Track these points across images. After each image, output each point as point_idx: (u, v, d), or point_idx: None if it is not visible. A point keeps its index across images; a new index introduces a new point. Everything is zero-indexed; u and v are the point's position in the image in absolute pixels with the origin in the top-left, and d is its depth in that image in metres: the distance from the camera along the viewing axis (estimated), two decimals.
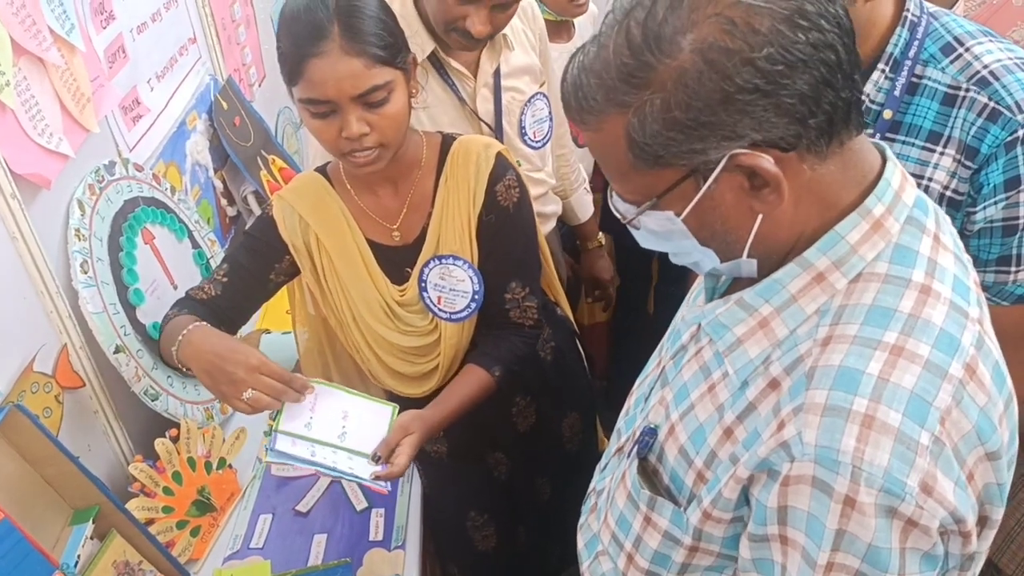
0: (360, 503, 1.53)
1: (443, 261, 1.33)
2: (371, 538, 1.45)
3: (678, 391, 0.86)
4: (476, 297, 1.35)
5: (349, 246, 1.35)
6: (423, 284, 1.35)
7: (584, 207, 2.09)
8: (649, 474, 0.88)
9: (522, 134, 1.74)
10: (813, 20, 0.66)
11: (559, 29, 2.15)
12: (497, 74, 1.67)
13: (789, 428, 0.69)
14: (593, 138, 0.75)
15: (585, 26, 2.23)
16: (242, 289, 1.38)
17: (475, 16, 1.46)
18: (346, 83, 1.14)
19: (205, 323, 1.26)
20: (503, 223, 1.33)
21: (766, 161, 0.68)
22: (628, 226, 0.80)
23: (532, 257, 1.40)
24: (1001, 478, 0.72)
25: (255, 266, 1.38)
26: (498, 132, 1.69)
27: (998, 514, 0.73)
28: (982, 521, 0.72)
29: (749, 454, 0.73)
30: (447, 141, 1.35)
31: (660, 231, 0.78)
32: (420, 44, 1.57)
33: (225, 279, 1.37)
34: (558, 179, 1.97)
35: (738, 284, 0.85)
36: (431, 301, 1.36)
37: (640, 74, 0.68)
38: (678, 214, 0.74)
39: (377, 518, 1.49)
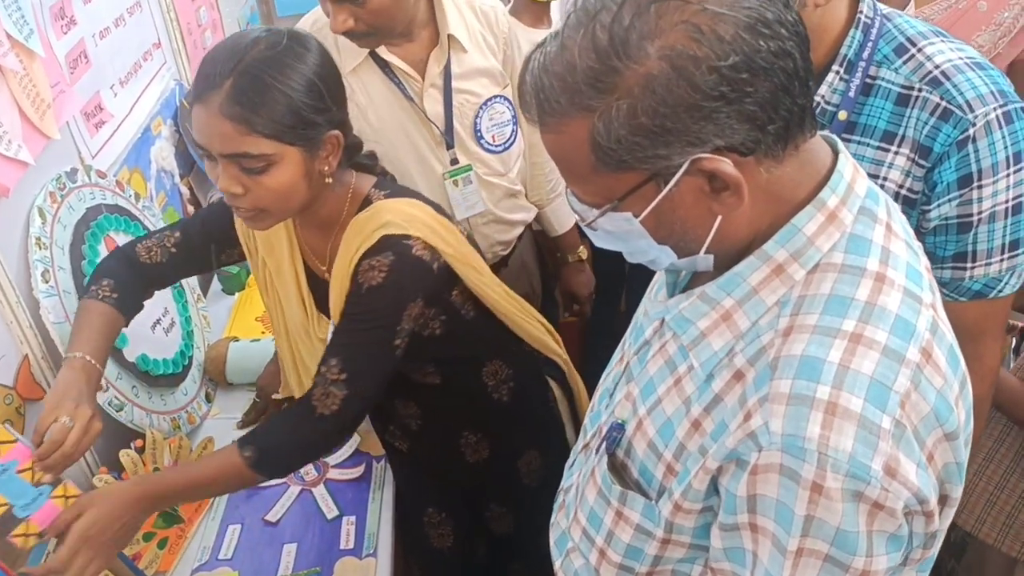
0: (331, 511, 1.51)
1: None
2: (342, 546, 1.44)
3: (644, 386, 0.88)
4: None
5: (288, 269, 1.36)
6: None
7: (562, 217, 2.02)
8: (618, 469, 0.89)
9: (477, 137, 1.73)
10: (773, 28, 0.68)
11: (538, 13, 2.15)
12: (447, 75, 1.66)
13: (756, 418, 0.71)
14: (553, 140, 0.75)
15: (565, 12, 2.23)
16: (185, 264, 1.42)
17: (335, 15, 1.48)
18: (215, 140, 1.10)
19: (80, 358, 1.21)
20: (352, 299, 1.23)
21: (727, 165, 0.69)
22: (585, 227, 0.81)
23: (370, 348, 1.23)
24: (959, 457, 0.74)
25: (205, 247, 1.41)
26: (448, 133, 1.68)
27: (957, 492, 0.75)
28: (942, 500, 0.75)
29: (717, 445, 0.74)
30: (365, 203, 1.28)
31: (617, 231, 0.78)
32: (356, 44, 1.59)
33: (174, 250, 1.39)
34: (533, 188, 1.95)
35: (699, 278, 0.86)
36: None
37: (606, 79, 0.68)
38: (637, 215, 0.75)
39: (348, 526, 1.48)
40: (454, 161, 1.73)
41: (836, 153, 0.79)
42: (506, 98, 1.74)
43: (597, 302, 2.45)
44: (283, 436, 1.22)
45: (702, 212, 0.74)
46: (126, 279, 1.35)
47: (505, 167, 1.80)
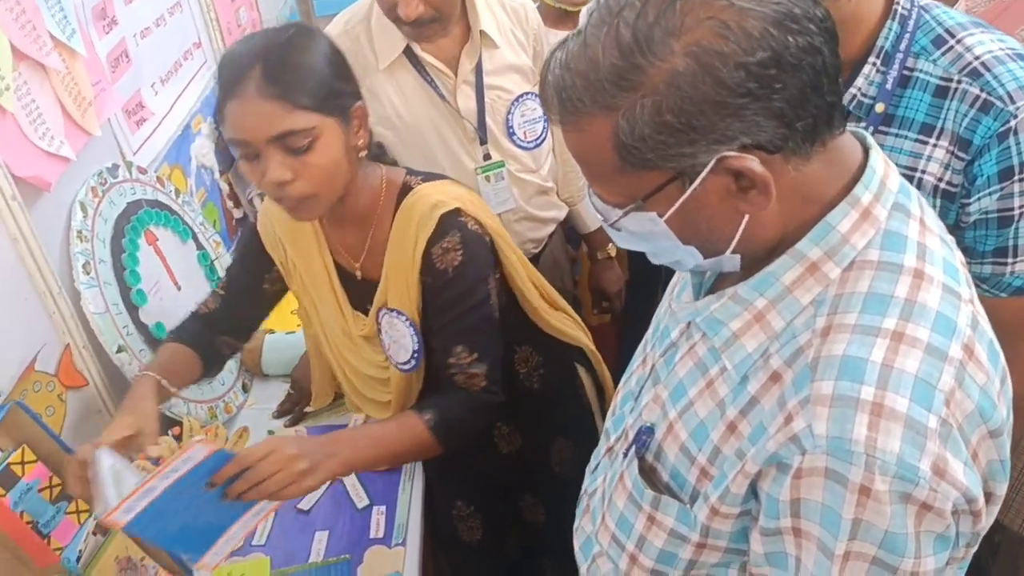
0: (361, 500, 1.53)
1: (390, 313, 1.32)
2: (372, 535, 1.46)
3: (674, 389, 0.86)
4: (416, 355, 1.33)
5: (319, 269, 1.36)
6: (379, 326, 1.35)
7: (591, 216, 1.98)
8: (647, 473, 0.87)
9: (510, 133, 1.73)
10: (802, 23, 0.66)
11: (564, 19, 2.15)
12: (479, 71, 1.66)
13: (798, 421, 0.69)
14: (576, 139, 0.73)
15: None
16: (239, 301, 1.43)
17: (406, 2, 1.48)
18: (259, 126, 1.10)
19: (147, 375, 1.26)
20: (442, 287, 1.27)
21: (754, 163, 0.68)
22: (608, 228, 0.80)
23: (481, 321, 1.29)
24: (1004, 454, 0.72)
25: (247, 278, 1.42)
26: (481, 129, 1.69)
27: (1001, 489, 0.74)
28: (987, 497, 0.73)
29: (756, 449, 0.73)
30: (404, 189, 1.30)
31: (641, 232, 0.77)
32: (394, 41, 1.59)
33: (223, 292, 1.43)
34: (564, 185, 1.94)
35: (725, 279, 0.85)
36: (385, 344, 1.36)
37: (630, 76, 0.67)
38: (661, 215, 0.73)
39: (378, 516, 1.50)
40: (487, 157, 1.73)
41: (867, 149, 0.77)
42: (537, 95, 1.75)
43: (632, 298, 2.43)
44: (452, 408, 1.27)
45: (728, 212, 0.72)
46: (187, 325, 1.42)
47: (536, 164, 1.80)
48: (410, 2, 1.49)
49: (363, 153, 1.23)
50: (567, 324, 1.52)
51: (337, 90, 1.16)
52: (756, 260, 0.77)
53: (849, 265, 0.73)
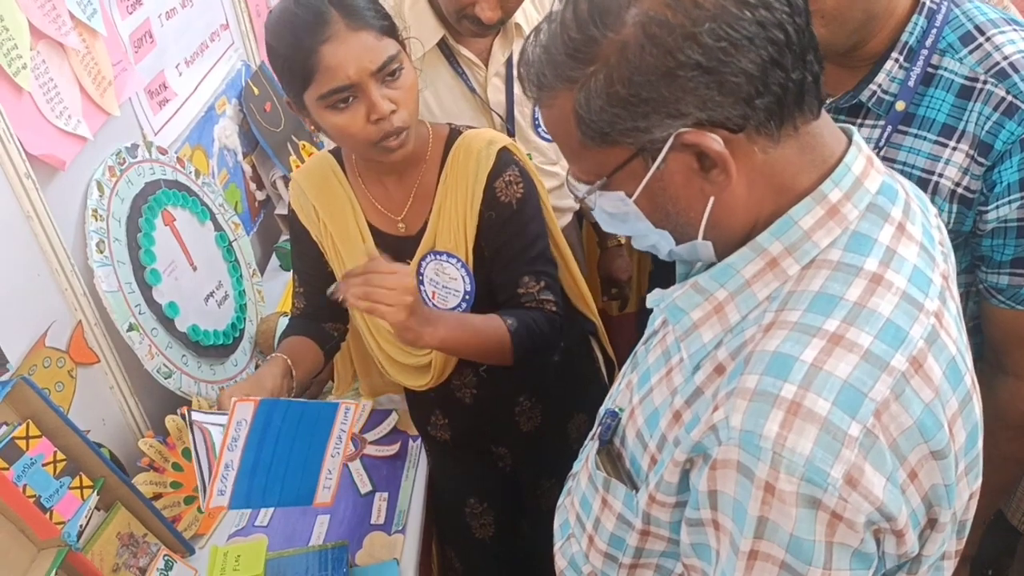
0: (365, 486, 1.54)
1: (438, 257, 1.32)
2: (372, 521, 1.47)
3: (642, 375, 0.87)
4: (467, 297, 1.34)
5: (352, 232, 1.36)
6: (420, 278, 1.35)
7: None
8: (613, 457, 0.88)
9: (535, 125, 1.72)
10: None
11: None
12: (509, 63, 1.65)
13: (720, 411, 0.69)
14: (546, 115, 0.75)
15: None
16: (317, 290, 1.42)
17: (484, 1, 1.45)
18: (364, 59, 1.13)
19: (277, 355, 1.31)
20: (506, 219, 1.30)
21: (712, 141, 0.67)
22: (589, 210, 0.80)
23: (543, 251, 1.36)
24: (948, 478, 0.69)
25: (310, 264, 1.43)
26: (510, 123, 1.67)
27: (946, 516, 0.71)
28: (931, 523, 0.71)
29: (688, 437, 0.73)
30: (453, 135, 1.33)
31: (615, 212, 0.77)
32: (429, 31, 1.56)
33: (301, 289, 1.45)
34: None
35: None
36: (427, 295, 1.35)
37: (585, 49, 0.67)
38: (629, 195, 0.73)
39: (380, 502, 1.51)
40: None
41: (851, 144, 0.75)
42: None
43: (651, 289, 2.40)
44: (530, 319, 1.30)
45: (693, 192, 0.72)
46: (292, 325, 1.46)
47: (558, 155, 1.79)
48: (491, 3, 1.48)
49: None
50: (584, 287, 1.54)
51: (389, 14, 1.21)
52: (731, 250, 0.76)
53: (809, 263, 0.72)
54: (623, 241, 2.10)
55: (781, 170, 0.71)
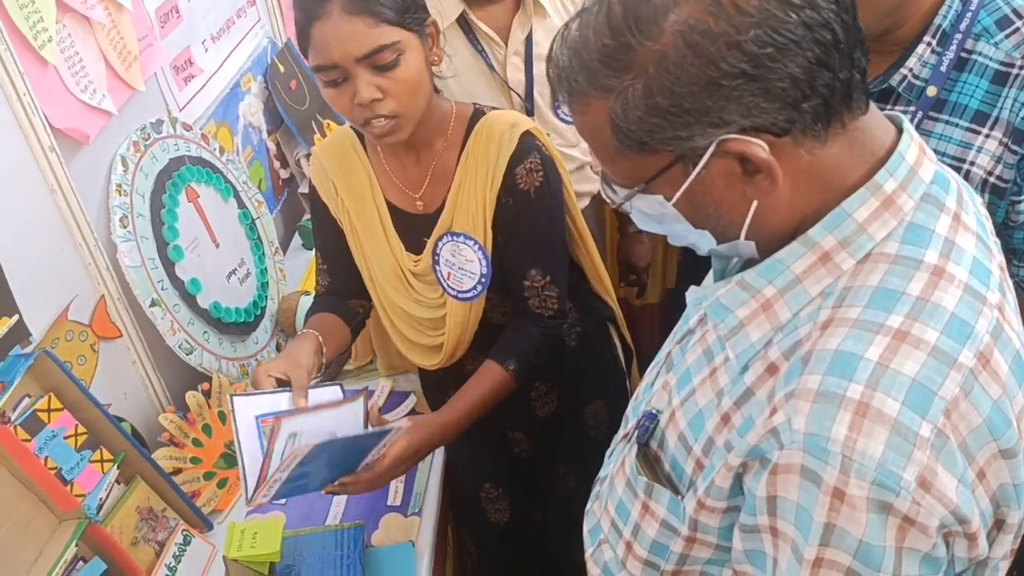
0: None
1: (455, 238, 1.31)
2: (389, 503, 1.47)
3: (681, 376, 0.84)
4: (483, 280, 1.32)
5: (369, 209, 1.35)
6: (436, 257, 1.33)
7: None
8: (651, 461, 0.85)
9: (556, 107, 1.69)
10: None
11: None
12: (529, 42, 1.62)
13: (780, 414, 0.66)
14: (578, 120, 0.72)
15: None
16: (340, 266, 1.43)
17: None
18: (350, 44, 1.11)
19: (307, 331, 1.33)
20: (522, 207, 1.28)
21: (757, 147, 0.64)
22: (620, 208, 0.77)
23: (555, 245, 1.34)
24: (1018, 478, 0.66)
25: (331, 241, 1.42)
26: (529, 103, 1.65)
27: (1015, 517, 0.68)
28: (998, 524, 0.68)
29: (742, 441, 0.70)
30: (476, 115, 1.31)
31: (653, 214, 0.75)
32: (449, 5, 1.55)
33: (324, 266, 1.45)
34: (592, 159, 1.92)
35: (748, 265, 0.81)
36: (442, 275, 1.34)
37: (621, 57, 0.64)
38: (668, 199, 0.71)
39: (397, 483, 1.50)
40: None
41: (901, 132, 0.72)
42: None
43: (680, 281, 2.37)
44: (528, 345, 1.33)
45: (736, 196, 0.69)
46: (317, 302, 1.47)
47: (577, 138, 1.77)
48: None
49: (439, 66, 1.25)
50: (604, 271, 1.53)
51: (415, 3, 1.17)
52: (774, 246, 0.73)
53: (864, 257, 0.69)
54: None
55: (829, 168, 0.68)
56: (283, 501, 1.47)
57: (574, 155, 1.77)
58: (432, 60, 1.22)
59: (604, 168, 0.75)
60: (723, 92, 0.62)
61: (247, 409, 1.14)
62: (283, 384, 1.19)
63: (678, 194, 0.70)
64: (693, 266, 2.45)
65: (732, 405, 0.74)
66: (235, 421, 1.12)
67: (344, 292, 1.44)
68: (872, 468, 0.61)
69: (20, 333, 1.21)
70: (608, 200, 0.77)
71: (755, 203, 0.69)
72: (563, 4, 1.68)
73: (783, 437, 0.65)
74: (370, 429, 1.21)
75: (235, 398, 1.13)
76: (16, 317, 1.20)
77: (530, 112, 1.68)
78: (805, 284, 0.70)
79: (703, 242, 0.75)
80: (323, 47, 1.13)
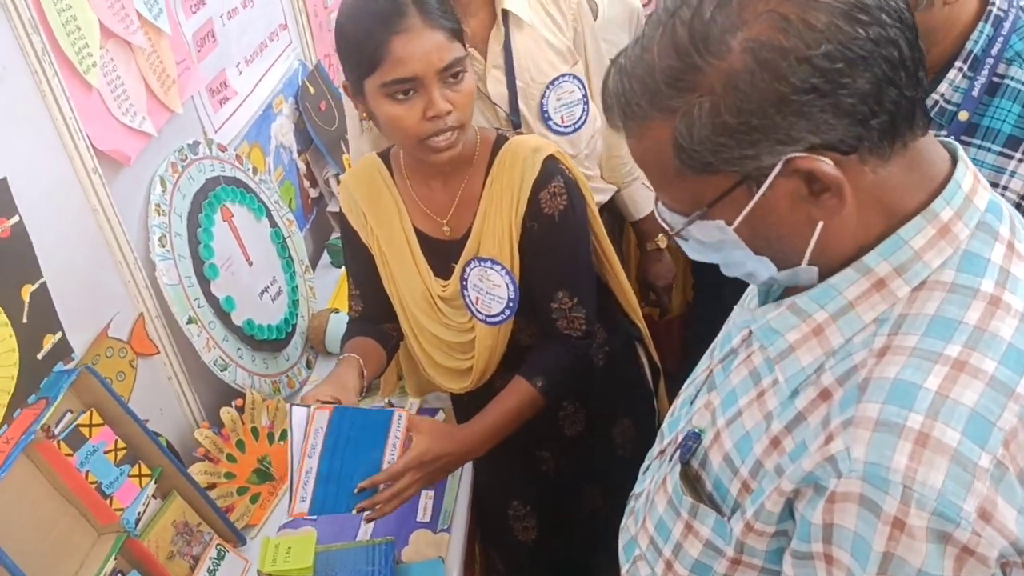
0: None
1: (482, 263, 1.33)
2: (418, 519, 1.48)
3: (726, 396, 0.84)
4: (511, 304, 1.34)
5: (398, 235, 1.37)
6: (464, 282, 1.35)
7: (639, 203, 1.93)
8: (691, 480, 0.85)
9: (544, 118, 1.68)
10: (873, 14, 0.63)
11: None
12: (508, 54, 1.62)
13: (837, 442, 0.66)
14: (636, 145, 0.72)
15: (613, 5, 2.15)
16: (372, 291, 1.46)
17: None
18: (433, 56, 1.15)
19: (350, 356, 1.35)
20: (547, 231, 1.30)
21: (826, 165, 0.64)
22: (675, 238, 0.77)
23: (581, 267, 1.36)
24: None
25: (363, 266, 1.44)
26: (514, 115, 1.64)
27: None
28: None
29: (795, 466, 0.70)
30: (500, 140, 1.33)
31: (710, 241, 0.74)
32: None
33: (357, 292, 1.48)
34: (608, 169, 1.89)
35: (794, 289, 0.81)
36: (470, 300, 1.36)
37: (687, 77, 0.65)
38: (729, 223, 0.70)
39: (426, 500, 1.51)
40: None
41: (955, 161, 0.72)
42: (575, 76, 1.68)
43: (701, 296, 2.36)
44: (556, 364, 1.35)
45: (801, 218, 0.69)
46: (352, 328, 1.49)
47: (575, 148, 1.74)
48: None
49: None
50: (631, 290, 1.53)
51: (459, 20, 1.22)
52: (832, 273, 0.73)
53: (920, 284, 0.69)
54: (663, 245, 2.00)
55: (891, 190, 0.68)
56: (315, 516, 1.49)
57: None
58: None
59: (661, 194, 0.75)
60: (793, 108, 0.63)
61: (304, 418, 1.16)
62: None
63: (740, 217, 0.69)
64: (709, 279, 2.45)
65: (782, 429, 0.74)
66: (291, 430, 1.15)
67: (377, 317, 1.47)
68: (933, 499, 0.61)
69: (63, 350, 1.24)
70: (665, 228, 0.77)
71: (820, 224, 0.69)
72: (549, 14, 1.67)
73: (841, 466, 0.65)
74: (374, 407, 1.25)
75: (294, 407, 1.16)
76: (60, 334, 1.23)
77: (516, 124, 1.68)
78: (858, 310, 0.71)
79: (763, 269, 0.75)
80: (407, 59, 1.15)
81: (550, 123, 1.69)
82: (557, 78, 1.66)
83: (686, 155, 0.67)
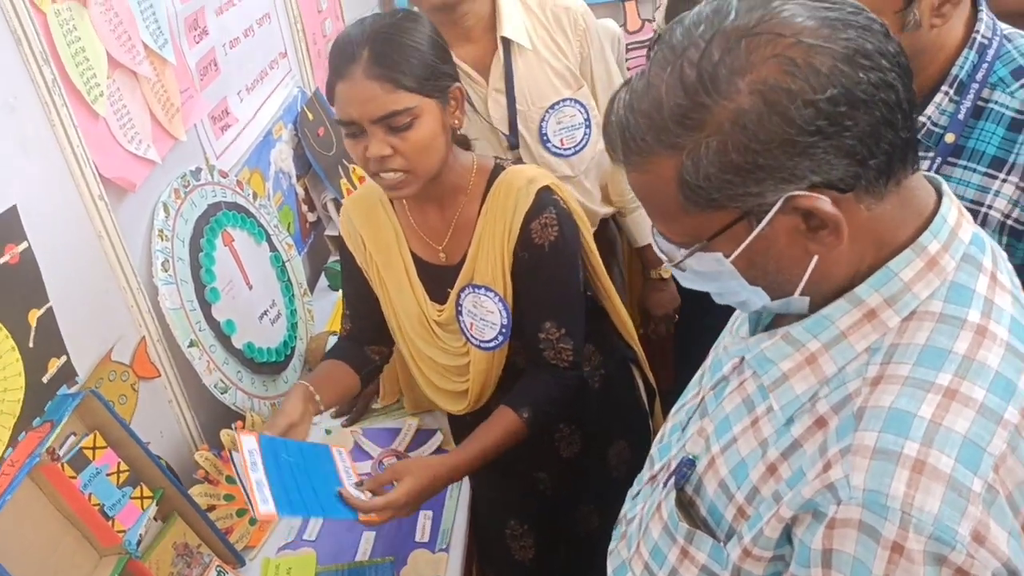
0: None
1: (476, 290, 1.36)
2: (417, 539, 1.49)
3: (719, 423, 0.86)
4: (504, 330, 1.37)
5: (395, 260, 1.40)
6: (459, 308, 1.38)
7: (644, 229, 1.96)
8: (685, 505, 0.87)
9: (543, 141, 1.72)
10: (874, 59, 0.66)
11: None
12: (508, 78, 1.66)
13: (836, 470, 0.69)
14: (639, 179, 0.74)
15: (603, 36, 2.19)
16: (364, 312, 1.49)
17: None
18: (365, 106, 1.18)
19: (300, 383, 1.38)
20: (537, 261, 1.32)
21: (824, 203, 0.67)
22: (672, 268, 0.80)
23: (571, 298, 1.38)
24: None
25: (358, 288, 1.48)
26: (513, 137, 1.68)
27: None
28: None
29: (793, 493, 0.72)
30: (496, 170, 1.36)
31: (707, 272, 0.77)
32: None
33: (349, 311, 1.51)
34: (614, 193, 1.93)
35: (784, 316, 0.84)
36: (465, 326, 1.39)
37: (695, 115, 0.67)
38: (727, 255, 0.73)
39: (425, 520, 1.53)
40: (518, 162, 1.74)
41: (940, 195, 0.76)
42: (577, 101, 1.73)
43: (691, 315, 2.37)
44: (544, 394, 1.37)
45: (797, 252, 0.72)
46: (338, 346, 1.54)
47: (575, 170, 1.78)
48: None
49: (458, 131, 1.31)
50: (626, 314, 1.56)
51: (439, 71, 1.23)
52: (824, 303, 0.75)
53: (910, 315, 0.72)
54: (667, 275, 2.02)
55: (883, 225, 0.72)
56: (314, 537, 1.51)
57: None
58: (452, 124, 1.27)
59: (660, 226, 0.77)
60: (798, 149, 0.65)
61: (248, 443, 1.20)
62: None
63: (738, 250, 0.72)
64: (691, 296, 2.47)
65: (779, 456, 0.76)
66: (232, 454, 1.20)
67: (363, 338, 1.50)
68: (929, 523, 0.64)
69: (67, 373, 1.26)
70: (663, 259, 0.80)
71: (815, 258, 0.71)
72: (552, 38, 1.71)
73: (841, 493, 0.67)
74: (311, 443, 1.29)
75: (223, 431, 1.22)
76: (64, 358, 1.25)
77: (515, 146, 1.72)
78: (851, 340, 0.73)
79: (756, 299, 0.78)
80: (344, 104, 1.20)
81: (548, 145, 1.73)
82: (558, 102, 1.70)
83: (690, 191, 0.70)
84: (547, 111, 1.71)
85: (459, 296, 1.38)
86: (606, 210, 1.94)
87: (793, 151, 0.65)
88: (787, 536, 0.74)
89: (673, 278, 2.05)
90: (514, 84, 1.68)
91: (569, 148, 1.76)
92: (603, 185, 1.93)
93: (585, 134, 1.77)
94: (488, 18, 1.67)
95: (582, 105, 1.74)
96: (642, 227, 1.98)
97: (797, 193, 0.67)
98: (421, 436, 1.73)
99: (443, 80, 1.24)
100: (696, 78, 0.67)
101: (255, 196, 1.87)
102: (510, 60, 1.67)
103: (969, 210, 1.09)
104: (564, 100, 1.72)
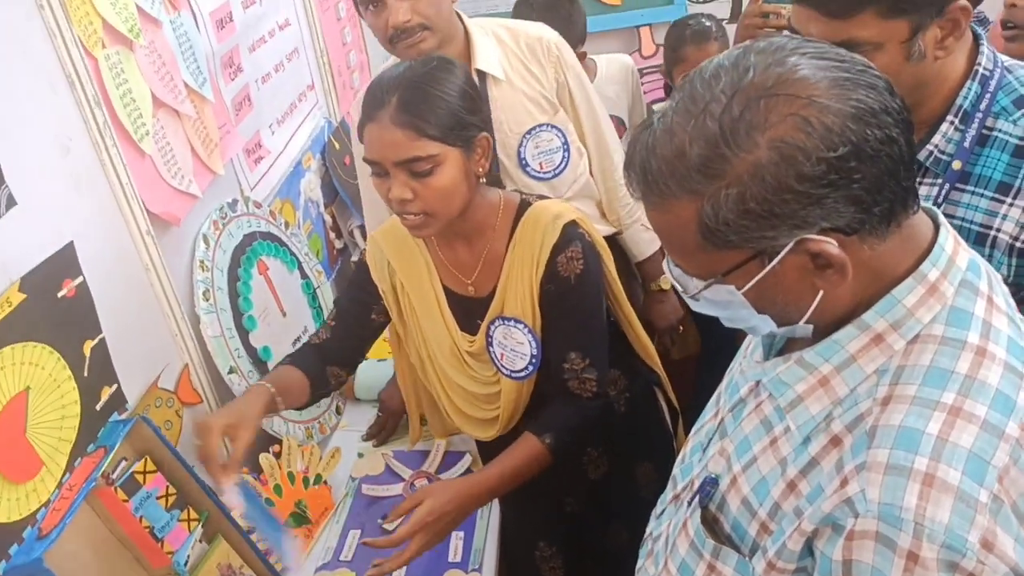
0: None
1: (506, 322, 1.40)
2: (450, 559, 1.53)
3: (739, 443, 0.91)
4: (534, 360, 1.41)
5: (427, 291, 1.45)
6: (489, 339, 1.43)
7: (640, 245, 2.01)
8: (710, 522, 0.92)
9: (523, 165, 1.77)
10: (880, 117, 0.72)
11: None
12: (486, 108, 1.69)
13: (853, 485, 0.74)
14: (658, 217, 0.79)
15: (611, 63, 2.25)
16: (347, 332, 1.53)
17: (392, 12, 1.58)
18: (388, 150, 1.24)
19: (263, 385, 1.39)
20: (563, 294, 1.37)
21: (832, 246, 0.73)
22: (685, 297, 0.85)
23: (595, 330, 1.42)
24: None
25: (357, 310, 1.53)
26: (493, 164, 1.72)
27: None
28: None
29: (813, 508, 0.77)
30: (524, 205, 1.40)
31: (719, 301, 0.83)
32: None
33: (333, 323, 1.53)
34: (610, 210, 1.96)
35: (794, 340, 0.89)
36: (495, 356, 1.43)
37: (716, 165, 0.72)
38: (739, 288, 0.79)
39: (457, 540, 1.57)
40: (498, 185, 1.76)
41: (937, 226, 0.81)
42: (553, 126, 1.78)
43: (713, 336, 2.41)
44: (567, 423, 1.40)
45: (804, 287, 0.77)
46: (302, 352, 1.54)
47: (556, 192, 1.82)
48: (398, 9, 1.58)
49: (482, 179, 1.35)
50: (648, 340, 1.60)
51: (464, 122, 1.27)
52: (828, 327, 0.81)
53: (914, 338, 0.77)
54: (667, 287, 2.05)
55: (884, 261, 0.77)
56: (350, 558, 1.55)
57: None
58: (476, 171, 1.32)
59: (677, 260, 0.83)
60: (811, 199, 0.71)
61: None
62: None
63: (750, 284, 0.78)
64: (709, 319, 2.49)
65: (798, 473, 0.81)
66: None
67: (330, 355, 1.51)
68: (941, 533, 0.69)
69: (118, 400, 1.31)
70: (678, 289, 0.86)
71: (821, 292, 0.77)
72: (526, 66, 1.76)
73: (858, 506, 0.72)
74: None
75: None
76: (115, 386, 1.30)
77: (495, 171, 1.75)
78: (860, 362, 0.79)
79: (763, 325, 0.83)
80: (370, 146, 1.26)
81: (528, 169, 1.78)
82: (534, 128, 1.76)
83: (709, 232, 0.75)
84: (524, 136, 1.76)
85: (489, 328, 1.42)
86: (607, 229, 1.98)
87: (807, 201, 0.71)
88: (809, 548, 0.79)
89: (673, 288, 2.08)
90: (491, 114, 1.73)
91: (548, 171, 1.80)
92: (597, 203, 1.97)
93: (564, 157, 1.81)
94: (462, 54, 1.72)
95: (559, 129, 1.79)
96: (638, 242, 2.01)
97: (808, 237, 0.73)
98: (450, 458, 1.77)
99: (469, 130, 1.28)
100: (718, 131, 0.72)
101: (287, 225, 1.94)
102: (486, 91, 1.72)
103: (979, 234, 1.15)
104: (540, 126, 1.77)
